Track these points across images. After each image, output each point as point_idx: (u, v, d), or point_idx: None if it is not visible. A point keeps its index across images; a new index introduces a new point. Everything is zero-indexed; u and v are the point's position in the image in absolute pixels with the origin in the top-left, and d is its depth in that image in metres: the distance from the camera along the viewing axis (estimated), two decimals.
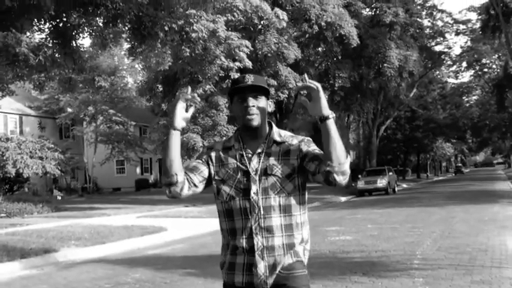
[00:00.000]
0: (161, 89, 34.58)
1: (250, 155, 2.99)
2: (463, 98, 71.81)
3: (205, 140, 27.59)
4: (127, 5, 13.57)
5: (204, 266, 9.89)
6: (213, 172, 3.03)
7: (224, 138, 3.83)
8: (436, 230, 13.75)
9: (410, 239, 12.20)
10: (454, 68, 63.09)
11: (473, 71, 62.59)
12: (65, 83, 18.43)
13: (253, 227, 2.88)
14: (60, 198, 31.73)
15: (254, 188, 2.91)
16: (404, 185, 50.36)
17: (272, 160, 2.96)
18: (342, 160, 2.77)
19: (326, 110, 2.81)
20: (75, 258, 11.70)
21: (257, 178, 2.93)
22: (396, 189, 39.60)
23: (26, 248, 11.84)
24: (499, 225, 14.35)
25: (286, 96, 30.25)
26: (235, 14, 17.09)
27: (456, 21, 53.42)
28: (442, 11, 51.39)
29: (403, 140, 67.41)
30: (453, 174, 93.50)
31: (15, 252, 11.26)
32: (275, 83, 28.13)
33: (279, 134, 3.07)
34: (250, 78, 2.96)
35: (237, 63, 20.09)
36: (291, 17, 27.67)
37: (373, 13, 40.76)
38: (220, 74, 20.21)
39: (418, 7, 45.44)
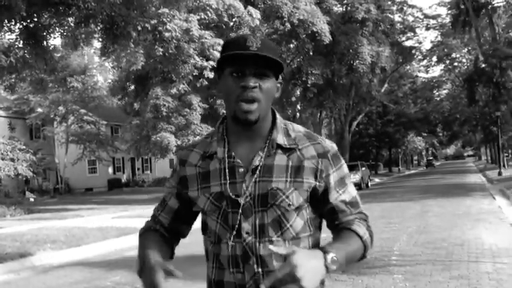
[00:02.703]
0: (133, 88, 34.33)
1: (241, 170, 1.96)
2: (434, 92, 72.54)
3: (179, 139, 27.47)
4: (99, 5, 13.44)
5: (184, 267, 9.81)
6: (192, 197, 2.05)
7: (203, 136, 2.20)
8: (411, 225, 13.88)
9: (386, 235, 12.29)
10: (424, 62, 63.75)
11: (443, 66, 63.25)
12: (37, 84, 18.23)
13: (247, 286, 1.94)
14: (32, 200, 31.35)
15: (247, 226, 1.93)
16: (377, 180, 50.74)
17: (276, 180, 1.94)
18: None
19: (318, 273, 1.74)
20: (52, 262, 11.57)
21: (252, 209, 1.93)
22: (369, 184, 39.93)
23: (1, 252, 11.69)
24: (473, 219, 14.54)
25: None
26: (208, 12, 17.06)
27: (426, 16, 53.89)
28: (413, 6, 51.94)
29: (375, 134, 67.89)
30: (424, 168, 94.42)
31: None
32: None
33: (285, 131, 2.04)
34: (255, 42, 1.91)
35: (211, 62, 20.03)
36: (263, 14, 27.64)
37: (344, 9, 40.93)
38: (194, 73, 20.14)
39: (389, 2, 45.74)
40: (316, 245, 2.01)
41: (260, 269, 1.92)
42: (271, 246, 1.78)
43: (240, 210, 1.93)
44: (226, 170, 1.97)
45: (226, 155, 1.99)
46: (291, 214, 1.94)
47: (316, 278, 1.72)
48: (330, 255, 1.77)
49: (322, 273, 1.75)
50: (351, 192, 2.05)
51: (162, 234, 2.15)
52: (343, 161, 2.08)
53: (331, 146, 2.06)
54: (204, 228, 2.07)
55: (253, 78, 1.90)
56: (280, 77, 2.04)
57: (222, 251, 1.97)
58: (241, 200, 1.93)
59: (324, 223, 2.09)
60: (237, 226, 1.93)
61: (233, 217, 1.94)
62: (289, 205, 1.93)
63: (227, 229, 1.95)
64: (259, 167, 1.95)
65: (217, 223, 1.98)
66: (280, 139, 1.99)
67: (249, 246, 1.92)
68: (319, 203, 2.01)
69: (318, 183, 1.97)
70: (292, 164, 1.96)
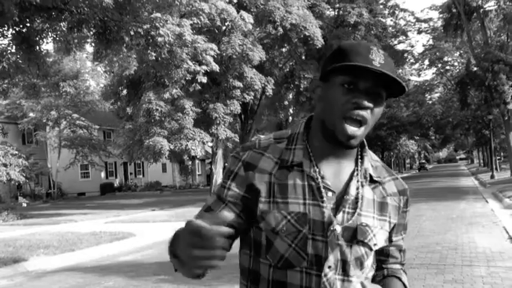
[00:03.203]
0: (126, 92, 34.27)
1: (330, 194, 1.68)
2: (426, 95, 72.67)
3: (172, 144, 27.44)
4: (92, 9, 13.43)
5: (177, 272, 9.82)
6: (258, 212, 1.68)
7: (271, 139, 1.75)
8: None
9: None
10: (416, 66, 63.87)
11: (435, 69, 63.43)
12: (30, 89, 18.19)
13: None
14: (25, 205, 31.22)
15: (332, 260, 1.66)
16: None
17: (365, 214, 1.71)
18: None
19: None
20: (45, 267, 11.52)
21: (336, 242, 1.66)
22: None
23: None
24: (467, 223, 14.60)
25: (252, 97, 30.27)
26: (201, 17, 17.07)
27: (418, 20, 54.07)
28: (405, 10, 52.01)
29: (367, 138, 66.56)
30: (417, 171, 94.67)
31: None
32: (241, 85, 28.12)
33: (372, 161, 1.82)
34: (379, 58, 1.59)
35: (204, 67, 20.04)
36: (256, 18, 27.67)
37: (337, 13, 40.99)
38: (186, 78, 20.15)
39: (381, 6, 45.86)
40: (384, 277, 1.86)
41: None
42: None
43: (330, 240, 1.65)
44: (314, 189, 1.67)
45: (313, 171, 1.69)
46: (371, 254, 1.74)
47: None
48: None
49: None
50: (404, 240, 1.90)
51: None
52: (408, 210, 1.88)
53: (405, 184, 1.87)
54: (259, 246, 1.72)
55: (367, 97, 1.61)
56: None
57: (292, 280, 1.67)
58: (333, 232, 1.65)
59: None
60: (319, 256, 1.65)
61: (313, 245, 1.64)
62: (374, 245, 1.72)
63: (304, 257, 1.65)
64: (353, 197, 1.69)
65: (291, 247, 1.65)
66: (371, 170, 1.77)
67: (329, 281, 1.65)
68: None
69: (397, 217, 1.80)
70: (377, 199, 1.74)
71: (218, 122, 27.85)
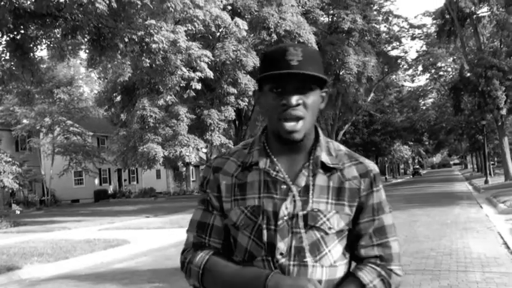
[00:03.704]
0: (120, 99, 34.25)
1: (284, 187, 1.80)
2: (420, 101, 72.88)
3: (166, 150, 27.42)
4: (86, 16, 13.41)
5: (172, 279, 9.79)
6: (225, 209, 1.89)
7: (240, 146, 1.99)
8: (399, 235, 13.78)
9: None
10: (410, 71, 63.97)
11: (429, 75, 63.59)
12: (24, 95, 18.15)
13: None
14: (19, 212, 31.07)
15: (282, 247, 1.77)
16: None
17: (316, 201, 1.80)
18: None
19: None
20: (39, 275, 11.46)
21: (289, 229, 1.78)
22: None
23: None
24: (461, 228, 14.61)
25: (246, 104, 30.29)
26: (195, 24, 17.07)
27: (412, 26, 54.19)
28: (398, 16, 52.10)
29: (362, 144, 68.07)
30: (411, 176, 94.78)
31: None
32: (235, 91, 28.15)
33: (327, 149, 1.90)
34: (296, 56, 1.73)
35: (198, 73, 20.03)
36: (250, 25, 27.71)
37: (330, 20, 41.10)
38: (181, 85, 20.15)
39: (375, 13, 45.99)
40: (347, 276, 1.85)
41: None
42: None
43: (277, 229, 1.77)
44: (269, 183, 1.82)
45: (268, 167, 1.84)
46: (331, 239, 1.80)
47: None
48: None
49: None
50: (383, 221, 1.90)
51: (221, 254, 1.91)
52: (381, 186, 1.95)
53: (374, 166, 1.94)
54: (234, 244, 1.89)
55: (295, 95, 1.74)
56: (326, 86, 1.87)
57: None
58: (281, 219, 1.77)
59: None
60: (272, 244, 1.77)
61: (268, 234, 1.78)
62: (329, 228, 1.79)
63: (261, 246, 1.79)
64: (303, 186, 1.80)
65: (250, 239, 1.81)
66: (324, 157, 1.85)
67: (282, 268, 1.76)
68: (356, 220, 1.87)
69: (358, 201, 1.86)
70: (333, 185, 1.83)
71: (212, 128, 27.86)
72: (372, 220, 1.87)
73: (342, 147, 1.93)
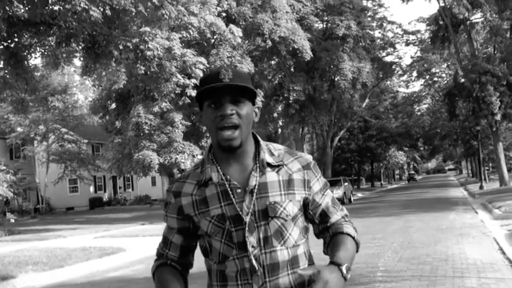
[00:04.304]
0: (115, 106, 34.20)
1: (239, 191, 2.10)
2: (414, 107, 73.05)
3: (161, 157, 27.36)
4: (80, 24, 13.38)
5: None
6: (195, 221, 2.20)
7: (192, 168, 2.32)
8: (395, 241, 13.89)
9: (371, 251, 12.28)
10: (404, 77, 64.17)
11: (423, 80, 63.75)
12: (18, 104, 18.10)
13: None
14: (13, 221, 30.99)
15: (252, 240, 2.09)
16: (360, 194, 50.81)
17: (272, 195, 2.11)
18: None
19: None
20: (34, 284, 11.42)
21: (255, 224, 2.09)
22: (352, 199, 40.00)
23: None
24: (457, 233, 14.60)
25: None
26: (190, 31, 17.07)
27: (406, 32, 54.35)
28: (392, 22, 52.28)
29: (357, 149, 68.08)
30: (406, 182, 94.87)
31: None
32: None
33: (269, 151, 2.21)
34: (226, 74, 2.09)
35: (193, 80, 20.02)
36: (244, 31, 27.71)
37: (325, 26, 41.17)
38: (176, 91, 20.13)
39: (369, 19, 46.09)
40: (308, 251, 2.22)
41: (267, 278, 2.09)
42: (299, 271, 2.08)
43: (246, 227, 2.08)
44: (228, 192, 2.11)
45: (221, 179, 2.13)
46: (289, 224, 2.13)
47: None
48: (344, 267, 2.03)
49: (343, 283, 2.01)
50: (330, 194, 2.30)
51: (175, 267, 2.27)
52: (321, 177, 2.30)
53: (310, 157, 2.28)
54: (206, 251, 2.21)
55: (230, 106, 2.07)
56: (257, 103, 2.24)
57: (229, 268, 2.12)
58: (246, 218, 2.08)
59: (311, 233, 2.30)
60: (242, 242, 2.08)
61: (237, 234, 2.09)
62: (287, 215, 2.12)
63: (232, 246, 2.10)
64: (256, 186, 2.11)
65: (222, 243, 2.12)
66: (268, 158, 2.17)
67: (256, 258, 2.08)
68: (311, 210, 2.22)
69: (307, 192, 2.20)
70: (283, 179, 2.15)
71: (208, 134, 27.80)
72: (324, 196, 2.26)
73: (281, 147, 2.27)
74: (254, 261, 2.08)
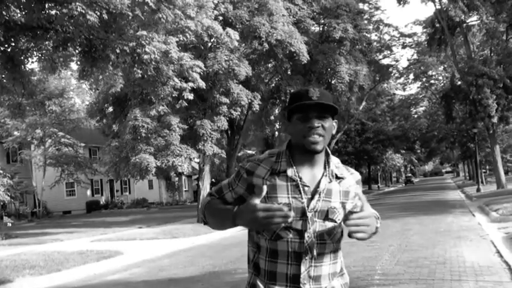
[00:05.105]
0: (112, 110, 34.15)
1: (306, 189, 2.53)
2: (411, 109, 73.07)
3: (159, 160, 27.32)
4: (77, 28, 13.36)
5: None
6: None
7: (266, 154, 2.68)
8: (393, 244, 13.89)
9: (368, 254, 12.29)
10: (401, 80, 64.11)
11: (420, 83, 63.76)
12: (15, 108, 18.07)
13: (302, 276, 2.52)
14: (10, 224, 30.91)
15: (311, 231, 2.51)
16: None
17: (333, 201, 2.57)
18: None
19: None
20: None
21: (314, 219, 2.52)
22: None
23: None
24: (455, 236, 14.62)
25: (239, 113, 30.25)
26: (187, 34, 17.05)
27: (403, 35, 54.29)
28: (389, 25, 52.22)
29: (354, 152, 68.12)
30: (403, 185, 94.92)
31: None
32: (227, 101, 28.10)
33: (334, 164, 2.68)
34: (315, 93, 2.51)
35: (190, 84, 20.01)
36: (241, 34, 27.67)
37: (322, 29, 41.16)
38: (173, 95, 20.12)
39: (365, 21, 46.09)
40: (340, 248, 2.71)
41: (313, 263, 2.53)
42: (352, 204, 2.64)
43: (309, 220, 2.51)
44: (299, 188, 2.53)
45: (294, 175, 2.55)
46: (338, 225, 2.59)
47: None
48: (379, 220, 2.72)
49: (374, 229, 2.57)
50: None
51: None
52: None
53: (358, 174, 2.80)
54: None
55: (317, 120, 2.51)
56: (335, 118, 2.65)
57: (280, 247, 2.54)
58: (308, 213, 2.51)
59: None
60: (300, 230, 2.51)
61: (297, 223, 2.50)
62: (339, 220, 2.58)
63: (290, 231, 2.51)
64: (324, 190, 2.56)
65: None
66: (336, 170, 2.65)
67: (309, 245, 2.51)
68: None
69: (353, 202, 2.66)
70: (342, 189, 2.63)
71: (205, 138, 27.78)
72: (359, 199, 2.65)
73: (338, 160, 2.74)
74: (308, 248, 2.50)
